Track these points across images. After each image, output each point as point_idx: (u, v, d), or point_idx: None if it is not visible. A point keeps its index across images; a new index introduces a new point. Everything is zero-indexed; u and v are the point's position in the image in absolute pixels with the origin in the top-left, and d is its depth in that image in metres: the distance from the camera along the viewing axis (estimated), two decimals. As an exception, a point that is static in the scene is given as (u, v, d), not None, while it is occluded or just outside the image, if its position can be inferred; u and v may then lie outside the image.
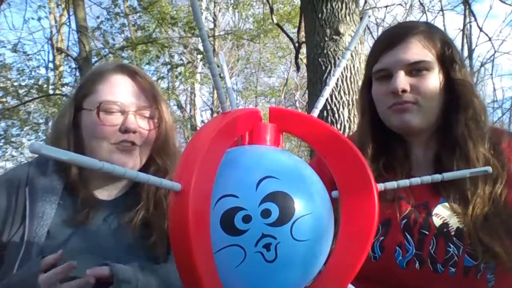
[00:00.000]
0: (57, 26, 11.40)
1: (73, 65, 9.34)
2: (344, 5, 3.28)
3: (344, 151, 0.63)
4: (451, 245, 0.97)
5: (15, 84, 9.99)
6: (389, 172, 1.05)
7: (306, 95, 5.01)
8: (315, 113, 0.66)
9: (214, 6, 13.66)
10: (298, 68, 6.80)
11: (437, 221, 1.00)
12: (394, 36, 1.06)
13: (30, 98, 9.47)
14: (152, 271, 1.02)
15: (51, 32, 11.74)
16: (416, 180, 0.63)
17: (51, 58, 12.02)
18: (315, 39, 3.30)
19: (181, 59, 10.70)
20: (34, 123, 11.15)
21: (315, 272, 0.60)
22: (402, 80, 1.01)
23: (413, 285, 0.99)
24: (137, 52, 8.89)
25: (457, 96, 1.04)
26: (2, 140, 10.97)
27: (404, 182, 0.63)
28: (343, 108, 3.16)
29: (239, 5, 11.65)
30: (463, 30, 10.19)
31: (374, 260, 1.01)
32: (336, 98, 3.16)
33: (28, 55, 10.51)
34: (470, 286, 0.96)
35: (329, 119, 3.13)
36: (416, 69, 1.03)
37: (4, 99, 9.93)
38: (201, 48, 8.87)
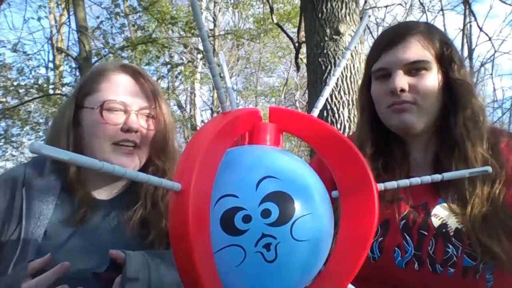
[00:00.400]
0: (57, 26, 11.40)
1: (73, 65, 9.34)
2: (344, 5, 3.28)
3: (344, 151, 0.63)
4: (450, 246, 0.97)
5: (15, 83, 9.98)
6: (388, 172, 1.05)
7: (306, 95, 5.01)
8: (315, 113, 0.67)
9: (214, 6, 13.66)
10: (298, 68, 6.79)
11: (436, 222, 1.00)
12: (394, 36, 1.06)
13: (30, 98, 9.47)
14: (162, 257, 1.01)
15: (51, 32, 11.75)
16: (416, 180, 0.63)
17: (51, 58, 12.04)
18: (315, 39, 3.30)
19: (181, 59, 10.70)
20: (34, 122, 11.14)
21: (315, 272, 0.60)
22: (401, 80, 1.02)
23: (412, 286, 0.99)
24: (137, 52, 8.89)
25: (456, 96, 1.04)
26: (2, 140, 10.97)
27: (404, 182, 0.63)
28: (343, 108, 3.16)
29: (239, 5, 11.65)
30: (463, 30, 10.19)
31: (373, 261, 1.01)
32: (336, 98, 3.15)
33: (28, 55, 10.51)
34: (469, 286, 0.96)
35: (329, 119, 3.13)
36: (415, 68, 1.03)
37: (4, 99, 9.93)
38: (201, 48, 8.87)
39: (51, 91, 9.97)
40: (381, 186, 0.63)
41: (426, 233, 1.00)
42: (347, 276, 0.60)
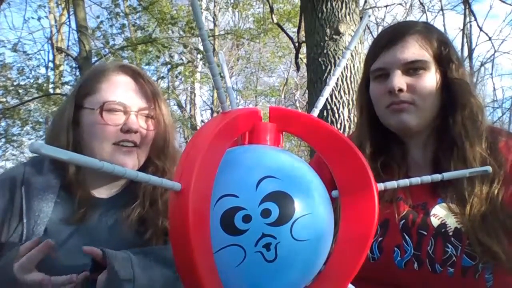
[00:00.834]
0: (57, 26, 11.40)
1: (73, 65, 9.33)
2: (344, 5, 3.28)
3: (344, 151, 0.63)
4: (449, 246, 0.97)
5: (15, 83, 9.98)
6: (387, 172, 1.05)
7: (306, 95, 5.00)
8: (315, 112, 0.67)
9: (214, 5, 13.66)
10: (298, 68, 6.79)
11: (435, 222, 1.00)
12: (392, 36, 1.06)
13: (30, 98, 9.47)
14: (145, 252, 1.03)
15: (51, 31, 11.75)
16: (416, 180, 0.63)
17: (51, 57, 12.03)
18: (315, 39, 3.30)
19: (181, 59, 10.69)
20: (34, 122, 11.14)
21: (315, 272, 0.60)
22: (399, 79, 1.02)
23: (412, 285, 0.99)
24: (137, 52, 8.89)
25: (454, 96, 1.04)
26: (3, 140, 10.97)
27: (404, 182, 0.63)
28: (343, 108, 3.16)
29: (239, 4, 11.64)
30: (463, 30, 10.18)
31: (372, 261, 1.01)
32: (336, 98, 3.15)
33: (28, 54, 10.51)
34: (469, 286, 0.96)
35: (329, 119, 3.13)
36: (413, 68, 1.03)
37: (4, 99, 9.93)
38: (201, 48, 8.87)
39: (51, 91, 9.97)
40: (381, 186, 0.63)
41: (425, 233, 1.00)
42: (347, 276, 0.60)
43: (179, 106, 14.24)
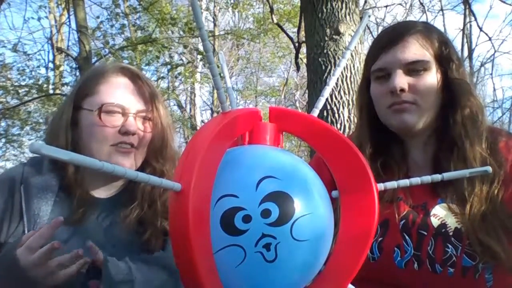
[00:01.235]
0: (57, 26, 11.39)
1: (73, 65, 9.32)
2: (344, 5, 3.28)
3: (344, 151, 0.63)
4: (449, 246, 0.97)
5: (15, 84, 9.97)
6: (387, 172, 1.05)
7: (306, 95, 5.00)
8: (315, 113, 0.67)
9: (214, 5, 13.65)
10: (298, 68, 6.79)
11: (435, 222, 1.00)
12: (392, 36, 1.06)
13: (30, 98, 9.47)
14: (145, 260, 1.04)
15: (51, 32, 11.74)
16: (416, 180, 0.63)
17: (51, 58, 12.02)
18: (315, 39, 3.30)
19: (181, 59, 10.70)
20: (35, 122, 11.14)
21: (315, 272, 0.60)
22: (401, 80, 1.02)
23: (412, 286, 0.99)
24: (137, 52, 8.89)
25: (455, 96, 1.04)
26: (3, 140, 10.97)
27: (404, 182, 0.63)
28: (343, 108, 3.16)
29: (239, 4, 11.64)
30: (463, 30, 10.17)
31: (372, 261, 1.01)
32: (336, 98, 3.15)
33: (28, 55, 10.51)
34: (469, 286, 0.96)
35: (329, 119, 3.13)
36: (414, 68, 1.03)
37: (4, 99, 9.92)
38: (201, 48, 8.86)
39: (51, 91, 9.96)
40: (381, 186, 0.63)
41: (425, 233, 1.00)
42: (347, 276, 0.60)
43: (179, 106, 14.24)
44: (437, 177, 0.62)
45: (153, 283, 1.00)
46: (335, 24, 3.24)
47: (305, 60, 5.24)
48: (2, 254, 0.96)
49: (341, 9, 3.27)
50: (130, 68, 1.18)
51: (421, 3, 10.81)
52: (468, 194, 0.98)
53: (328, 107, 3.15)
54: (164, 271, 1.03)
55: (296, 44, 6.09)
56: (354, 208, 0.62)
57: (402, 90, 1.01)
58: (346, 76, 3.19)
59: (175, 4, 11.28)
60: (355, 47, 3.21)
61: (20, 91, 9.55)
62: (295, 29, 7.02)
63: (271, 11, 7.31)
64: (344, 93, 3.17)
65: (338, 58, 3.17)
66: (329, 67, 3.19)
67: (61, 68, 11.43)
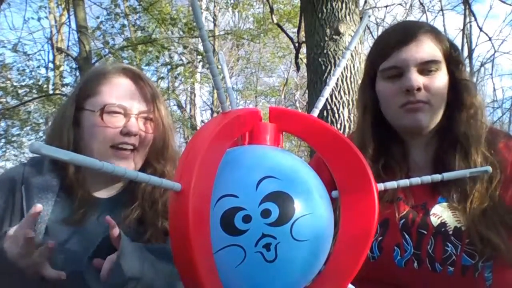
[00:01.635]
0: (57, 26, 11.39)
1: (74, 65, 9.32)
2: (344, 5, 3.28)
3: (344, 151, 0.63)
4: (449, 245, 0.98)
5: (15, 84, 9.97)
6: (388, 173, 1.05)
7: (306, 95, 5.00)
8: (315, 113, 0.67)
9: (214, 6, 13.65)
10: (298, 68, 6.78)
11: (435, 221, 1.00)
12: (405, 34, 1.05)
13: (30, 98, 9.47)
14: (150, 249, 1.03)
15: (51, 32, 11.74)
16: (416, 180, 0.63)
17: (51, 58, 12.02)
18: (315, 39, 3.30)
19: (181, 59, 10.70)
20: (34, 123, 11.14)
21: (315, 272, 0.60)
22: (417, 78, 1.01)
23: (412, 285, 1.00)
24: (137, 53, 8.89)
25: (462, 96, 1.05)
26: (3, 140, 10.96)
27: (404, 182, 0.63)
28: (343, 108, 3.16)
29: (239, 4, 11.64)
30: (463, 30, 10.16)
31: (372, 260, 1.01)
32: (336, 98, 3.15)
33: (28, 55, 10.51)
34: (468, 285, 0.96)
35: (329, 119, 3.13)
36: (427, 68, 1.03)
37: (4, 99, 9.92)
38: (201, 49, 8.86)
39: (51, 91, 9.96)
40: (381, 186, 0.63)
41: (425, 232, 1.00)
42: (347, 276, 0.61)
43: (179, 106, 14.25)
44: (437, 177, 0.62)
45: (162, 274, 0.99)
46: (335, 24, 3.24)
47: (305, 60, 5.24)
48: None
49: (341, 9, 3.27)
50: (131, 68, 1.18)
51: (421, 3, 10.81)
52: (470, 189, 0.99)
53: (328, 107, 3.15)
54: (170, 262, 1.02)
55: (296, 44, 6.09)
56: (354, 208, 0.62)
57: (419, 89, 1.01)
58: (346, 76, 3.19)
59: (175, 5, 11.29)
60: (355, 47, 3.21)
61: (20, 91, 9.55)
62: (295, 29, 7.02)
63: (271, 11, 7.31)
64: (344, 93, 3.17)
65: (338, 58, 3.17)
66: (329, 67, 3.19)
67: (61, 68, 11.43)
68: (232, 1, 11.40)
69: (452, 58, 1.06)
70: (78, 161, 0.43)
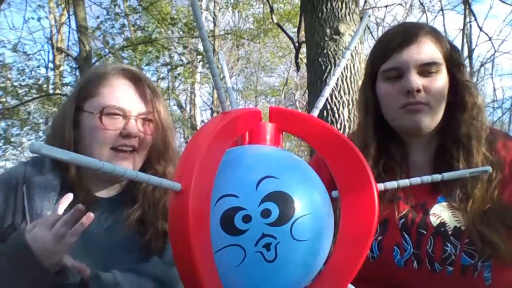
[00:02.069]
0: (57, 26, 11.38)
1: (73, 65, 9.32)
2: (344, 5, 3.28)
3: (344, 151, 0.63)
4: (449, 244, 0.98)
5: (15, 84, 9.97)
6: (388, 173, 1.05)
7: (306, 95, 5.01)
8: (315, 112, 0.67)
9: (214, 5, 13.65)
10: (298, 68, 6.79)
11: (434, 221, 1.00)
12: (406, 35, 1.05)
13: (30, 98, 9.46)
14: (136, 271, 1.04)
15: (51, 32, 11.73)
16: (416, 180, 0.63)
17: (51, 58, 12.01)
18: (315, 39, 3.30)
19: (181, 59, 10.69)
20: (34, 123, 11.13)
21: (315, 272, 0.60)
22: (417, 80, 1.02)
23: (411, 284, 1.00)
24: (137, 53, 8.89)
25: (463, 97, 1.06)
26: (2, 140, 10.95)
27: (404, 182, 0.63)
28: (343, 108, 3.16)
29: (239, 4, 11.64)
30: (463, 30, 10.17)
31: (372, 260, 1.01)
32: (336, 98, 3.15)
33: (28, 55, 10.50)
34: (468, 284, 0.97)
35: (329, 119, 3.13)
36: (427, 70, 1.03)
37: (4, 99, 9.92)
38: (201, 48, 8.86)
39: (51, 91, 9.96)
40: (381, 186, 0.63)
41: (424, 232, 1.00)
42: (347, 276, 0.61)
43: (179, 106, 14.24)
44: (437, 177, 0.62)
45: None
46: (335, 24, 3.24)
47: (305, 60, 5.24)
48: (7, 247, 0.95)
49: (341, 9, 3.27)
50: (131, 69, 1.17)
51: (421, 3, 10.82)
52: (471, 191, 0.99)
53: (328, 107, 3.15)
54: (154, 282, 1.03)
55: (296, 44, 6.09)
56: (354, 208, 0.62)
57: (419, 90, 1.02)
58: (346, 76, 3.19)
59: (175, 5, 11.29)
60: (355, 47, 3.21)
61: (20, 91, 9.55)
62: (295, 29, 7.02)
63: (271, 11, 7.32)
64: (344, 93, 3.17)
65: (338, 58, 3.17)
66: (329, 67, 3.19)
67: (61, 68, 11.43)
68: (232, 1, 11.40)
69: (453, 59, 1.07)
70: (78, 161, 0.43)
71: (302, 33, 5.08)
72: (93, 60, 7.43)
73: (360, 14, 3.48)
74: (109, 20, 8.68)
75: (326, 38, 3.23)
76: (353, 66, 3.21)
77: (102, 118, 1.07)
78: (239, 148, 0.62)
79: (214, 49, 11.20)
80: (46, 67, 11.95)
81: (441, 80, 1.04)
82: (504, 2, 7.83)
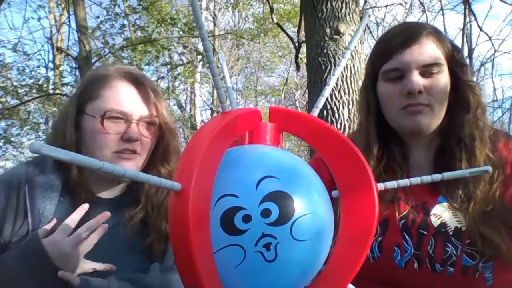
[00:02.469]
0: (57, 26, 11.38)
1: (73, 65, 9.32)
2: (344, 5, 3.28)
3: (344, 151, 0.63)
4: (449, 245, 0.98)
5: (15, 83, 9.97)
6: (389, 174, 1.05)
7: (306, 95, 5.00)
8: (315, 112, 0.67)
9: (214, 5, 13.65)
10: (298, 68, 6.79)
11: (435, 221, 1.00)
12: (407, 36, 1.05)
13: (30, 98, 9.46)
14: (132, 280, 1.04)
15: (51, 31, 11.73)
16: (416, 180, 0.63)
17: (51, 57, 12.01)
18: (315, 39, 3.30)
19: (181, 59, 10.70)
20: (34, 122, 11.13)
21: (315, 272, 0.60)
22: (419, 81, 1.01)
23: (412, 285, 1.00)
24: (137, 52, 8.89)
25: (467, 97, 1.05)
26: (2, 140, 10.95)
27: (404, 182, 0.63)
28: (343, 108, 3.16)
29: (239, 4, 11.64)
30: (463, 30, 10.16)
31: (372, 261, 1.01)
32: (336, 98, 3.15)
33: (28, 54, 10.49)
34: (469, 285, 0.96)
35: (329, 119, 3.13)
36: (429, 70, 1.02)
37: (4, 99, 9.91)
38: (201, 48, 8.87)
39: (51, 91, 9.96)
40: (381, 186, 0.63)
41: (425, 233, 1.00)
42: (347, 276, 0.60)
43: (179, 106, 14.25)
44: (437, 177, 0.62)
45: None
46: (335, 24, 3.23)
47: (305, 60, 5.24)
48: (21, 251, 0.96)
49: (341, 9, 3.27)
50: (133, 72, 1.16)
51: (421, 3, 10.81)
52: (473, 191, 0.99)
53: (328, 107, 3.15)
54: None
55: (296, 44, 6.09)
56: (354, 208, 0.62)
57: (420, 91, 1.01)
58: (346, 76, 3.19)
59: (175, 5, 11.29)
60: (355, 47, 3.21)
61: (20, 91, 9.54)
62: (295, 29, 7.01)
63: (271, 11, 7.32)
64: (344, 93, 3.17)
65: (338, 58, 3.17)
66: (329, 67, 3.19)
67: (61, 68, 11.42)
68: (232, 1, 11.40)
69: (455, 60, 1.06)
70: (78, 161, 0.43)
71: (302, 33, 5.08)
72: (93, 60, 7.43)
73: (360, 14, 3.48)
74: (109, 20, 8.68)
75: (326, 38, 3.23)
76: (353, 66, 3.21)
77: (104, 122, 1.06)
78: (239, 148, 0.62)
79: (214, 49, 11.20)
80: (46, 67, 11.95)
81: (442, 81, 1.04)
82: (504, 2, 7.83)
